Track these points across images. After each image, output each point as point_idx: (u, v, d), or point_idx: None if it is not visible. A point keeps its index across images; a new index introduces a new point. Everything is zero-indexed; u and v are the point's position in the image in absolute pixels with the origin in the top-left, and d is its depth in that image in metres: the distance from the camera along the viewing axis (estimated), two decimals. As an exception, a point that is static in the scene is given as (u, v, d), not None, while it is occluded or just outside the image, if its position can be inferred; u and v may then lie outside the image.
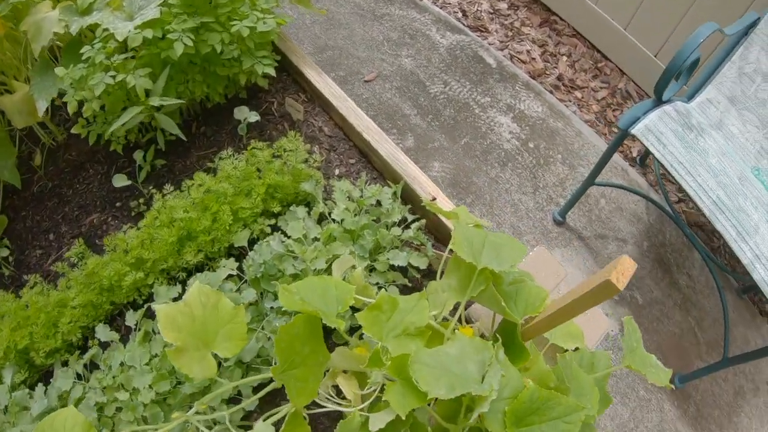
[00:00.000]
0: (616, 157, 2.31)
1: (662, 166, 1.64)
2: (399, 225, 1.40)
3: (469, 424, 0.89)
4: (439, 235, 1.47)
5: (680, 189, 2.37)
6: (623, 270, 0.74)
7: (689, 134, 1.71)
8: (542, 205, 2.03)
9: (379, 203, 1.44)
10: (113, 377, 1.19)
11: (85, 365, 1.30)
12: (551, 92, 2.46)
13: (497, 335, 0.96)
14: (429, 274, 1.43)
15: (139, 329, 1.28)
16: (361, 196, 1.42)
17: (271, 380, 0.93)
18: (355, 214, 1.38)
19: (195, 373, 0.86)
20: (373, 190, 1.40)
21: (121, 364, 1.22)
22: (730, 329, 2.09)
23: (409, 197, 1.50)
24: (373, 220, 1.41)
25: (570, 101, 2.48)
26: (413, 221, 1.44)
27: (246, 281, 1.33)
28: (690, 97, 1.90)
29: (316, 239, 1.38)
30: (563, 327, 1.25)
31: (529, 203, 2.01)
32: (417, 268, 1.37)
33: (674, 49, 2.33)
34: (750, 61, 1.87)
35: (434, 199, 1.45)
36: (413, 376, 0.80)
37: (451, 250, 1.04)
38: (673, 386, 1.01)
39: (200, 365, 0.86)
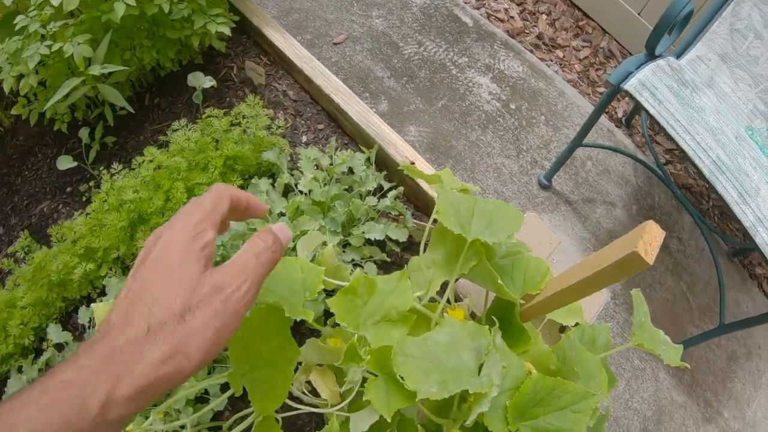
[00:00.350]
0: (602, 119, 2.19)
1: (657, 124, 1.52)
2: (374, 194, 1.25)
3: (464, 419, 0.76)
4: (419, 203, 1.33)
5: (667, 150, 2.27)
6: (651, 239, 0.59)
7: (684, 90, 1.59)
8: (527, 169, 1.90)
9: (351, 171, 1.29)
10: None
11: (40, 370, 1.14)
12: (531, 51, 2.32)
13: (492, 317, 0.83)
14: (410, 247, 1.30)
15: (93, 327, 1.13)
16: (331, 164, 1.26)
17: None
18: (325, 184, 1.23)
19: None
20: (344, 156, 1.24)
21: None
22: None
23: (384, 163, 1.36)
24: (345, 190, 1.26)
25: (551, 61, 2.35)
26: (390, 189, 1.30)
27: None
28: (679, 55, 1.78)
29: (282, 214, 1.23)
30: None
31: (512, 167, 1.88)
32: (396, 242, 1.23)
33: (658, 8, 2.21)
34: (741, 17, 1.75)
35: (412, 163, 1.31)
36: (398, 371, 0.66)
37: (434, 220, 0.90)
38: (687, 365, 0.89)
39: None
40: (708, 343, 1.95)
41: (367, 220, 1.21)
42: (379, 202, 1.20)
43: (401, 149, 1.31)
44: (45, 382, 0.36)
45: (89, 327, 1.17)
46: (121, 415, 0.37)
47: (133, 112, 1.56)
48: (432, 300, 0.88)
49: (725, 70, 1.77)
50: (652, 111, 1.53)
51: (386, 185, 1.30)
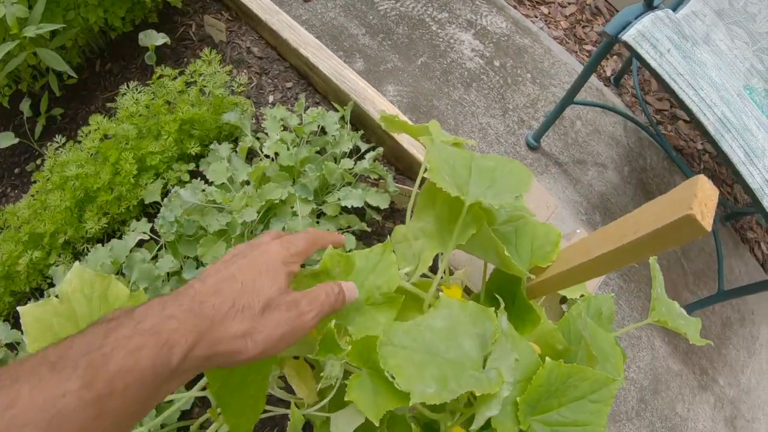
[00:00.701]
0: (591, 77, 2.07)
1: (659, 79, 1.40)
2: (350, 156, 1.11)
3: (464, 414, 0.63)
4: (402, 165, 1.19)
5: (657, 111, 2.16)
6: (705, 199, 0.46)
7: (685, 43, 1.47)
8: (513, 129, 1.77)
9: (323, 131, 1.14)
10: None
11: None
12: (515, 7, 2.17)
13: (495, 294, 0.70)
14: (392, 215, 1.16)
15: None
16: (300, 123, 1.11)
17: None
18: (294, 146, 1.08)
19: None
20: (315, 114, 1.09)
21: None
22: (716, 260, 1.94)
23: (360, 122, 1.21)
24: (317, 152, 1.12)
25: (536, 17, 2.20)
26: (367, 151, 1.16)
27: (164, 246, 1.03)
28: (674, 9, 1.65)
29: (246, 183, 1.09)
30: None
31: (498, 127, 1.75)
32: (377, 209, 1.10)
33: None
34: (738, -30, 1.63)
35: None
36: (385, 366, 0.53)
37: (421, 183, 0.76)
38: (711, 342, 0.79)
39: None
40: (703, 309, 1.87)
41: (343, 186, 1.07)
42: (356, 164, 1.06)
43: (380, 106, 1.16)
44: (136, 323, 0.39)
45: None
46: (187, 374, 0.41)
47: (81, 79, 1.39)
48: (423, 276, 0.74)
49: (721, 26, 1.65)
50: (653, 64, 1.40)
51: (363, 146, 1.16)
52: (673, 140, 2.11)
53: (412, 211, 0.79)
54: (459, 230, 0.67)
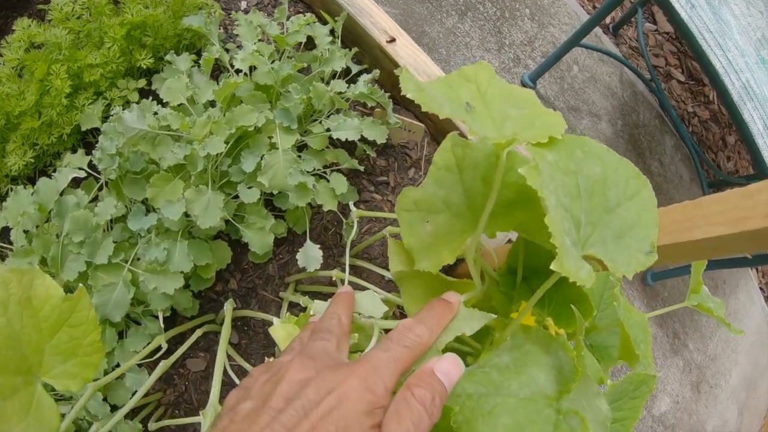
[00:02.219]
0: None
1: (685, 33, 1.26)
2: (341, 78, 0.91)
3: None
4: (399, 93, 1.01)
5: (653, 66, 2.03)
6: None
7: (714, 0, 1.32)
8: (509, 66, 1.60)
9: (309, 44, 0.94)
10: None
11: None
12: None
13: (523, 276, 0.53)
14: (386, 151, 0.99)
15: None
16: (282, 33, 0.90)
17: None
18: (273, 61, 0.88)
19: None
20: (301, 23, 0.89)
21: None
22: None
23: (353, 38, 1.02)
24: (301, 71, 0.92)
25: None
26: (361, 73, 0.97)
27: (106, 185, 0.82)
28: None
29: (211, 104, 0.88)
30: None
31: (493, 62, 1.58)
32: (371, 143, 0.92)
33: None
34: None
35: (393, 40, 0.97)
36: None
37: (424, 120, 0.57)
38: (744, 331, 0.70)
39: (21, 412, 0.42)
40: (683, 276, 1.82)
41: (332, 114, 0.88)
42: (349, 88, 0.87)
43: (378, 20, 0.97)
44: None
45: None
46: None
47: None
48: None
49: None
50: (683, 15, 1.26)
51: (355, 68, 0.97)
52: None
53: (424, 173, 0.61)
54: (495, 195, 0.47)
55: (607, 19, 1.99)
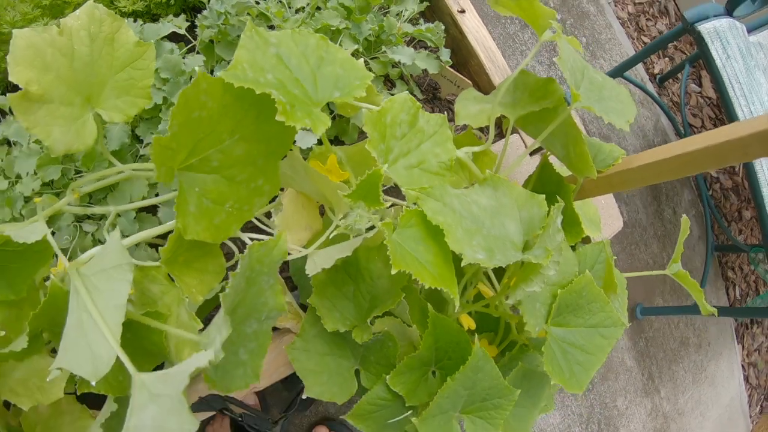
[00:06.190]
0: (639, 67, 2.03)
1: (717, 79, 1.38)
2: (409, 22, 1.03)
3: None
4: (458, 57, 1.12)
5: (689, 124, 2.13)
6: None
7: (750, 60, 1.44)
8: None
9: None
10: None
11: None
12: (590, -27, 2.09)
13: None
14: (434, 101, 1.10)
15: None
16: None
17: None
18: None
19: (56, 139, 0.49)
20: (389, -36, 1.01)
21: (7, 142, 0.82)
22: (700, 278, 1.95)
23: (431, 2, 1.13)
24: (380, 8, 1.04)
25: (607, -9, 2.13)
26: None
27: (196, 50, 0.94)
28: (749, 31, 1.61)
29: (302, 9, 1.00)
30: (584, 209, 1.00)
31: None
32: (421, 88, 1.04)
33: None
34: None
35: (463, 11, 1.09)
36: (434, 221, 0.49)
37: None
38: (715, 311, 0.81)
39: (69, 128, 0.50)
40: (670, 319, 1.89)
41: (395, 46, 1.00)
42: (415, 28, 0.99)
43: (457, -9, 1.09)
44: None
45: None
46: None
47: None
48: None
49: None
50: (718, 62, 1.39)
51: (424, 26, 1.09)
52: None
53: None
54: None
55: (656, 69, 2.10)
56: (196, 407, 0.75)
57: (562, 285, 0.62)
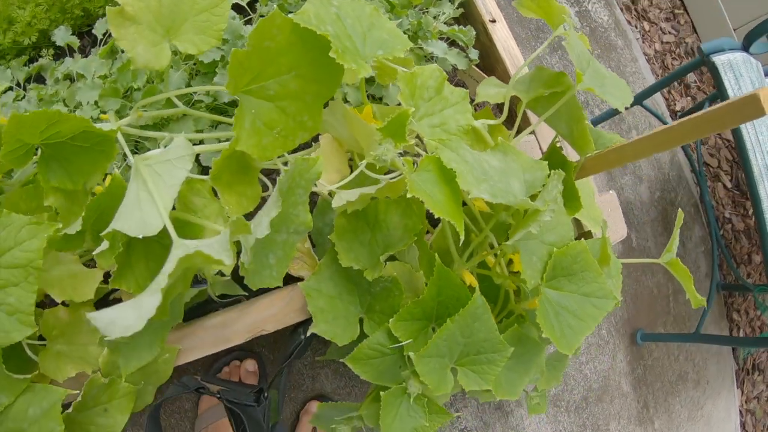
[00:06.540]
0: (659, 99, 2.09)
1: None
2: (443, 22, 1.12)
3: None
4: (486, 63, 1.21)
5: (705, 164, 2.19)
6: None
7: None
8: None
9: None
10: (55, 90, 0.89)
11: (29, 79, 1.00)
12: (622, 10, 2.18)
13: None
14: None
15: (106, 43, 0.98)
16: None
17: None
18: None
19: (138, 53, 0.58)
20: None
21: (70, 78, 0.92)
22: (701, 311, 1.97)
23: (464, 8, 1.22)
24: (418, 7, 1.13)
25: (636, 28, 2.22)
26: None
27: (253, 23, 1.04)
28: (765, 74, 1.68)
29: None
30: (590, 211, 1.07)
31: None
32: (454, 67, 1.13)
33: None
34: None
35: (494, 21, 1.18)
36: (449, 164, 0.58)
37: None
38: (705, 302, 0.87)
39: (150, 49, 0.59)
40: (669, 349, 1.91)
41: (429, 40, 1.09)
42: (448, 28, 1.07)
43: (488, 1, 1.18)
44: None
45: (102, 42, 1.02)
46: None
47: None
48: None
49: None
50: (730, 92, 1.46)
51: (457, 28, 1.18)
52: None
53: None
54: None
55: (677, 107, 2.16)
56: (172, 390, 0.80)
57: (558, 246, 0.68)
